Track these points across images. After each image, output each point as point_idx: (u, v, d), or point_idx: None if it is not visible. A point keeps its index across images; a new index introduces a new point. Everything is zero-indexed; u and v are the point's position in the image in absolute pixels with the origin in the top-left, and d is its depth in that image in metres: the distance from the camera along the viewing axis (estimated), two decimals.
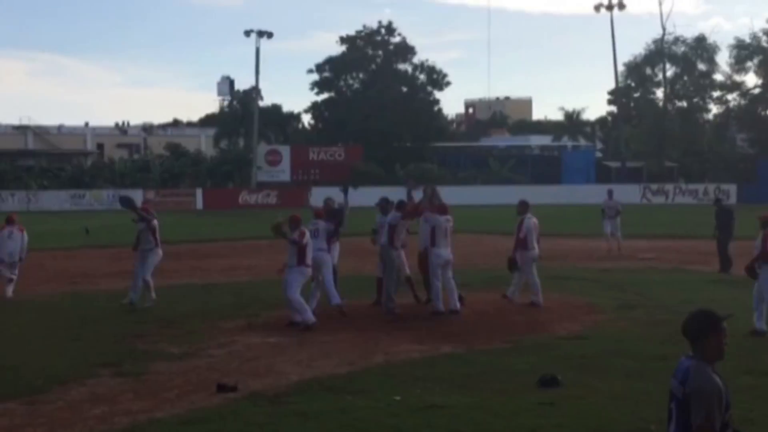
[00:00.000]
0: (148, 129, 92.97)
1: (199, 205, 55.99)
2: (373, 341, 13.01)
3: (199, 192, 58.41)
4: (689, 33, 72.17)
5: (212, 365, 11.68)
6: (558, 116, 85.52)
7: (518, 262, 16.02)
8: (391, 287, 15.22)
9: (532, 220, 16.22)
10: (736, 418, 8.60)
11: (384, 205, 16.32)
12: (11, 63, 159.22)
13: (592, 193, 54.54)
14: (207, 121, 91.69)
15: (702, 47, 69.27)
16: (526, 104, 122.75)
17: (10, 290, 18.13)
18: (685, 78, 70.50)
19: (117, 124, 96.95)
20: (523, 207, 16.43)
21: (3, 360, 12.08)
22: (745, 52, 68.98)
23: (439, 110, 75.97)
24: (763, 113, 71.99)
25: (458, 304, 15.00)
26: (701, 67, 69.99)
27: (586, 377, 10.52)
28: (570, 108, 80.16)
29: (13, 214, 19.89)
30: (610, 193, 28.00)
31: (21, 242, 18.55)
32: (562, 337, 13.23)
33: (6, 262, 18.27)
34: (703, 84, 70.48)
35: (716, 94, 71.53)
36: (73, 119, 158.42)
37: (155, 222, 16.88)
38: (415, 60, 73.23)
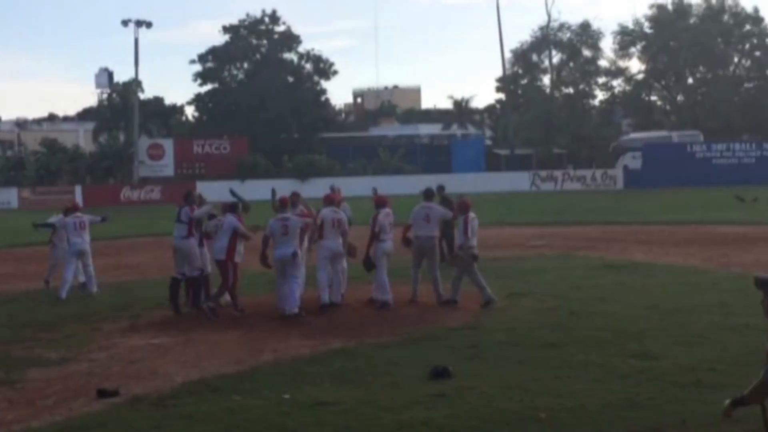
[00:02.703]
0: (21, 124, 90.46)
1: (79, 202, 54.50)
2: (261, 339, 12.93)
3: (78, 189, 57.18)
4: (574, 20, 73.98)
5: (92, 370, 11.40)
6: (447, 105, 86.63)
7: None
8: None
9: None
10: (622, 403, 8.91)
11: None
12: None
13: (483, 182, 55.58)
14: (85, 114, 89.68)
15: (587, 33, 71.18)
16: (415, 93, 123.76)
17: None
18: (571, 64, 72.32)
19: None
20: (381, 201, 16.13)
21: None
22: (628, 38, 71.13)
23: (327, 100, 76.20)
24: (647, 98, 74.31)
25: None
26: (586, 53, 71.89)
27: (478, 367, 10.65)
28: (459, 96, 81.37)
29: None
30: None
31: None
32: (453, 327, 13.34)
33: None
34: (589, 70, 72.44)
35: (601, 80, 73.62)
36: None
37: None
38: (301, 49, 73.28)
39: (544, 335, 12.41)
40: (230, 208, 15.37)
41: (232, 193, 16.16)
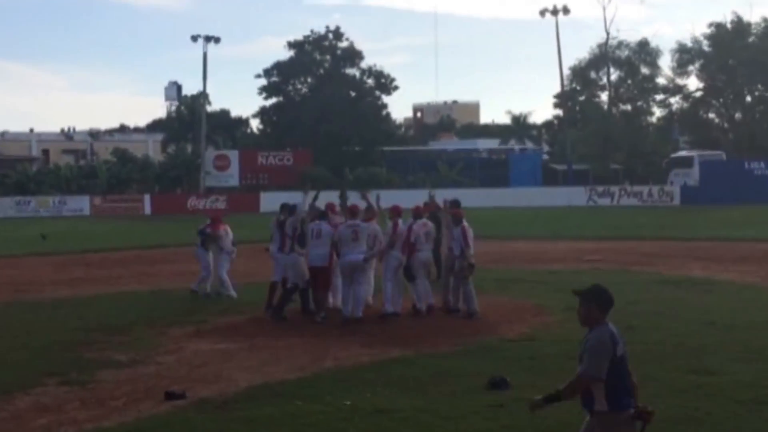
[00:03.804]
0: (94, 134, 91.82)
1: (148, 210, 55.49)
2: (323, 346, 12.96)
3: (147, 197, 57.85)
4: (633, 38, 72.83)
5: (160, 372, 11.54)
6: (505, 120, 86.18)
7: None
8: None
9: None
10: (681, 418, 8.75)
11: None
12: None
13: (540, 196, 55.23)
14: (154, 126, 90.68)
15: (645, 51, 70.18)
16: (474, 108, 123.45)
17: None
18: (629, 81, 71.36)
19: (62, 130, 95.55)
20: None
21: None
22: (686, 56, 70.07)
23: (387, 114, 76.14)
24: (704, 116, 73.18)
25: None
26: (644, 70, 70.90)
27: (535, 378, 10.54)
28: (517, 112, 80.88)
29: None
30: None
31: None
32: (510, 339, 13.27)
33: None
34: (647, 87, 71.41)
35: (659, 97, 72.56)
36: (17, 125, 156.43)
37: None
38: (363, 64, 73.29)
39: None
40: (322, 215, 15.49)
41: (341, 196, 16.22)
